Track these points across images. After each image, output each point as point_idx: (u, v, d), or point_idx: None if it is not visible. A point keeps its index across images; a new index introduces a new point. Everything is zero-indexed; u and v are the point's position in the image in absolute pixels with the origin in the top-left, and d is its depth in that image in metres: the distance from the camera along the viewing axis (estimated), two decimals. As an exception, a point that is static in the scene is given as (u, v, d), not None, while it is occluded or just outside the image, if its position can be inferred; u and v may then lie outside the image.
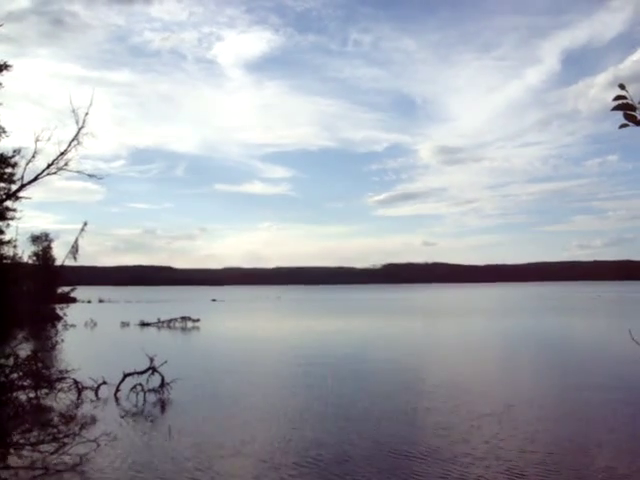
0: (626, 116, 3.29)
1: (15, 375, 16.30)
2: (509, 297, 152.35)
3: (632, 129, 3.28)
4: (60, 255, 70.06)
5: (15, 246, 43.43)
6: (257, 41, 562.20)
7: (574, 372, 30.30)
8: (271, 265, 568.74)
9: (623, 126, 3.33)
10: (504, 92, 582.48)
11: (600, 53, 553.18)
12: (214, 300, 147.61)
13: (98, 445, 16.24)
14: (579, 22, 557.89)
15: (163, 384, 25.24)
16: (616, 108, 3.32)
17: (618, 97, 3.32)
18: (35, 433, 14.71)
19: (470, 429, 18.80)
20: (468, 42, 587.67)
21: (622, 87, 3.31)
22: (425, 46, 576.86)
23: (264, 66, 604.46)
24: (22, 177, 15.99)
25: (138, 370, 26.05)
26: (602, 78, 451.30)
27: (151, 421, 20.95)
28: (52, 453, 14.79)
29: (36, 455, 14.67)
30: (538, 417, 20.52)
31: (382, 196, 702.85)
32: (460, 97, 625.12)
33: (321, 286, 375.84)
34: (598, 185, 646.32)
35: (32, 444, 14.64)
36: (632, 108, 3.27)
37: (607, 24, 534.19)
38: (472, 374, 30.48)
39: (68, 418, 15.65)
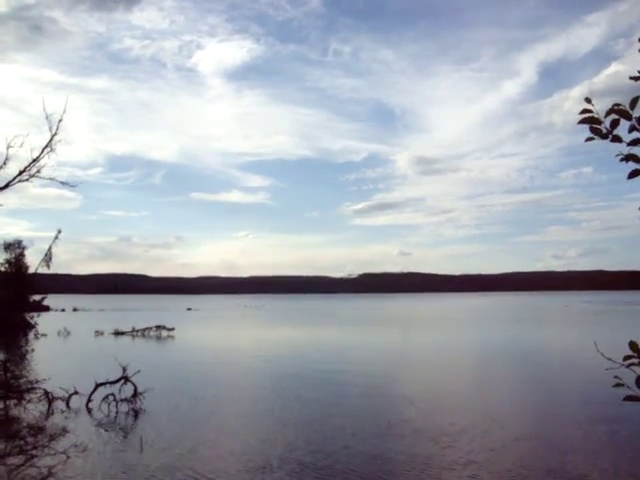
0: (592, 129, 3.32)
1: (-18, 386, 15.99)
2: (482, 307, 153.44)
3: (607, 141, 3.30)
4: (34, 263, 69.01)
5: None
6: (238, 50, 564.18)
7: (538, 385, 30.52)
8: (247, 274, 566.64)
9: (589, 139, 3.36)
10: (482, 104, 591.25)
11: (575, 67, 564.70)
12: (189, 309, 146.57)
13: (68, 457, 15.95)
14: (555, 36, 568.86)
15: (136, 394, 24.90)
16: (582, 122, 3.34)
17: (584, 111, 3.35)
18: (2, 445, 14.41)
19: (435, 446, 18.84)
20: (447, 54, 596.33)
21: (588, 101, 3.34)
22: (404, 57, 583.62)
23: (244, 75, 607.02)
24: (-7, 183, 15.70)
25: (110, 380, 25.70)
26: (577, 91, 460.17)
27: (123, 432, 20.66)
28: (19, 466, 14.49)
29: (2, 468, 14.35)
30: (504, 434, 20.60)
31: (359, 206, 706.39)
32: (438, 108, 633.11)
33: (297, 295, 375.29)
34: (573, 196, 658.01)
35: (-1, 456, 14.34)
36: (598, 122, 3.30)
37: (583, 38, 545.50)
38: (441, 387, 30.56)
39: (37, 429, 15.39)
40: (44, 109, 15.17)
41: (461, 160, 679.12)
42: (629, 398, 3.16)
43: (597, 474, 15.33)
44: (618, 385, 3.17)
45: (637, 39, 3.30)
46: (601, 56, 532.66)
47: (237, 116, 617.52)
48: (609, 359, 3.26)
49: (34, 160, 15.52)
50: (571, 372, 34.31)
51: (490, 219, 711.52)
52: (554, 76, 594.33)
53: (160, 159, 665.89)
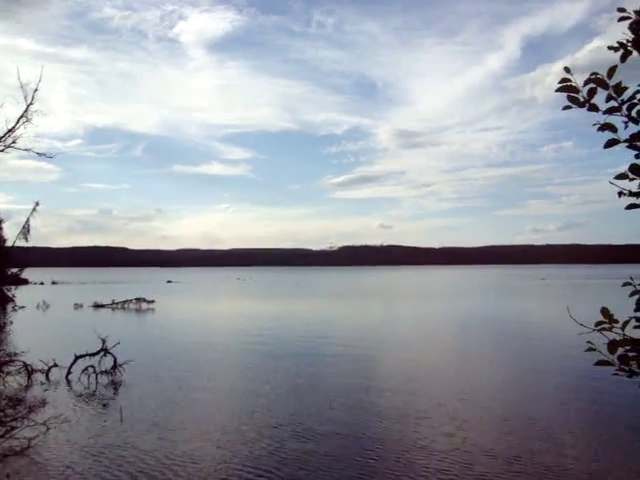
0: (569, 98, 3.34)
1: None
2: (462, 280, 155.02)
3: (587, 116, 3.33)
4: (12, 236, 68.21)
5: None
6: (220, 20, 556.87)
7: (513, 356, 30.96)
8: (228, 247, 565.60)
9: (566, 108, 3.39)
10: (465, 77, 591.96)
11: (559, 41, 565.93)
12: (169, 282, 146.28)
13: (48, 428, 15.98)
14: (540, 10, 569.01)
15: (115, 366, 24.95)
16: (560, 90, 3.36)
17: (563, 80, 3.37)
18: (-19, 417, 14.38)
19: (398, 425, 19.09)
20: (431, 26, 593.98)
21: (567, 70, 3.36)
22: (388, 30, 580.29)
23: (226, 46, 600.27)
24: (-34, 154, 15.44)
25: (90, 352, 25.68)
26: (559, 66, 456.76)
27: (103, 403, 20.68)
28: (-1, 437, 14.49)
29: (-18, 439, 14.34)
30: (483, 409, 20.93)
31: (340, 178, 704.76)
32: (421, 81, 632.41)
33: (277, 267, 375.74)
34: (553, 171, 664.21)
35: (-22, 428, 14.31)
36: (575, 90, 3.32)
37: (567, 13, 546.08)
38: (415, 360, 30.80)
39: (16, 401, 15.36)
40: (19, 78, 14.89)
41: (443, 134, 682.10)
42: (600, 363, 3.23)
43: (567, 446, 15.65)
44: (590, 350, 3.24)
45: (616, 9, 3.31)
46: (584, 31, 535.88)
47: (219, 87, 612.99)
48: (581, 324, 3.33)
49: (9, 130, 15.26)
50: (545, 341, 34.88)
51: (471, 193, 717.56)
52: (537, 50, 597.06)
53: (141, 131, 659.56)
